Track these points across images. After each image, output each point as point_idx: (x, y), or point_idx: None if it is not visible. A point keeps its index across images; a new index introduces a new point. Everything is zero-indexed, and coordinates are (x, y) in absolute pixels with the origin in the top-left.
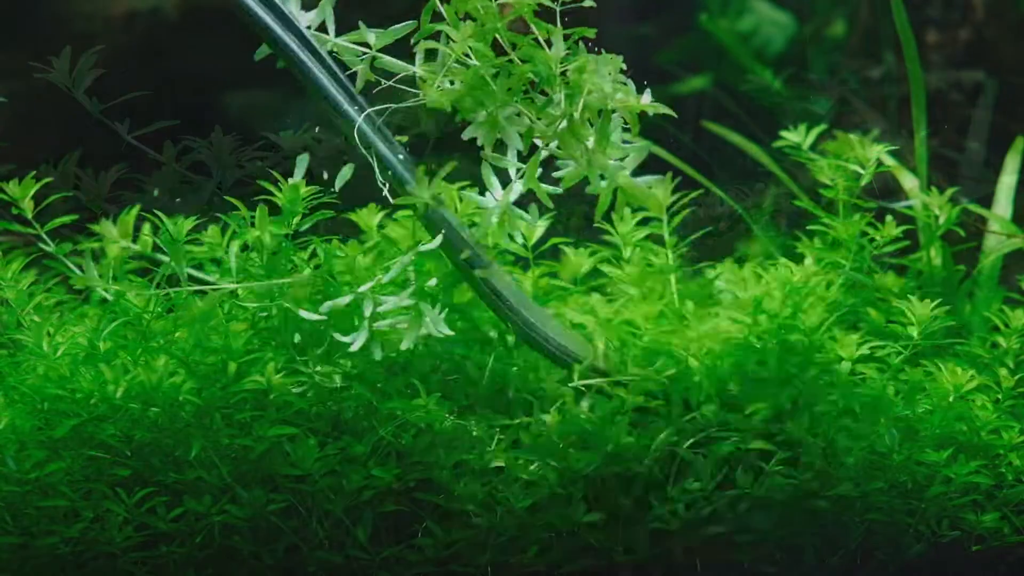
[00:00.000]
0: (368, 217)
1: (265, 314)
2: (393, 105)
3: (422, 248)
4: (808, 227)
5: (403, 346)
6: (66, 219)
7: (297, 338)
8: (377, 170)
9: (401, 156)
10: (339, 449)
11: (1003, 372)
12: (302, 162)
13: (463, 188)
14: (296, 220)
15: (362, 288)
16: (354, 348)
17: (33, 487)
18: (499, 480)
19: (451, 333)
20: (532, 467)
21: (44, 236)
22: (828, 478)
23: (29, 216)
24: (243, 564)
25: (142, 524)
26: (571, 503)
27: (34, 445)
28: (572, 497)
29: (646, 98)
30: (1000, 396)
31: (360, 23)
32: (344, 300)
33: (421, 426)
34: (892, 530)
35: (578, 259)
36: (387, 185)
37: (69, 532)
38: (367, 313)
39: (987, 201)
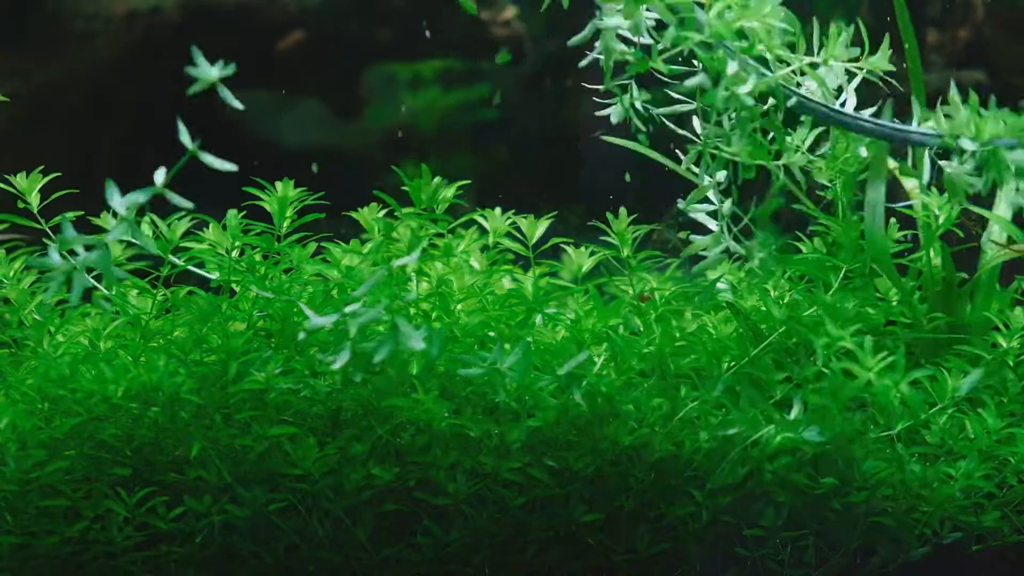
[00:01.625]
0: (370, 216)
1: (262, 313)
2: None
3: (398, 263)
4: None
5: (376, 359)
6: (70, 215)
7: (301, 336)
8: None
9: None
10: (338, 448)
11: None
12: None
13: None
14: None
15: (348, 308)
16: (336, 367)
17: (33, 487)
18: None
19: (423, 346)
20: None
21: (49, 232)
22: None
23: (35, 210)
24: (243, 564)
25: (142, 524)
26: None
27: (34, 445)
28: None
29: None
30: (1005, 399)
31: None
32: (327, 320)
33: (420, 425)
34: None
35: (579, 258)
36: None
37: (69, 532)
38: (352, 333)
39: (988, 201)
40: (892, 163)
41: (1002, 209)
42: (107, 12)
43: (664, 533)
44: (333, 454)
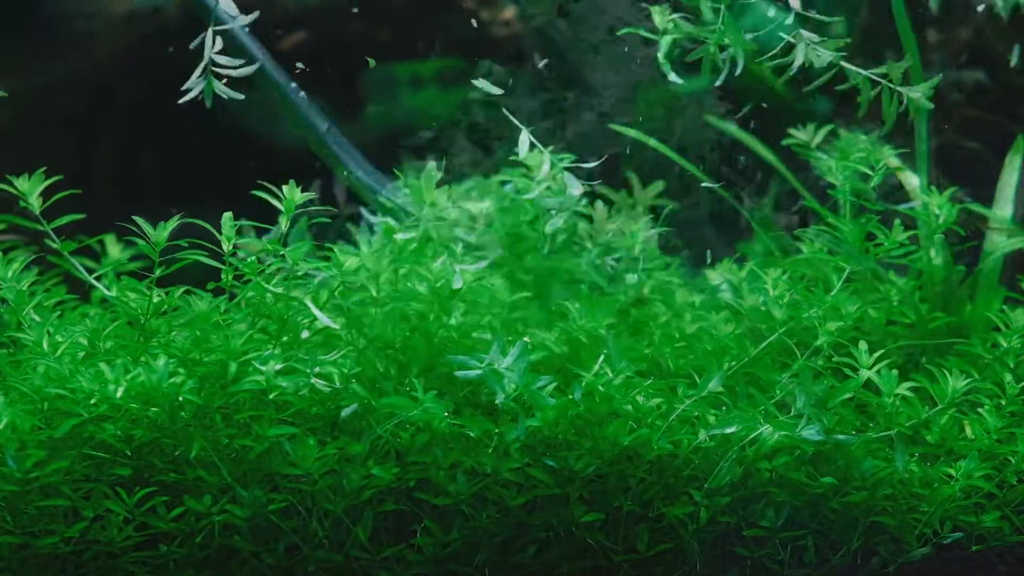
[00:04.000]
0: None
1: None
2: None
3: None
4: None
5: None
6: (73, 217)
7: (306, 334)
8: None
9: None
10: (338, 448)
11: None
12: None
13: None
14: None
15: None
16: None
17: (33, 487)
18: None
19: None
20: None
21: (51, 233)
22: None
23: (37, 212)
24: (243, 564)
25: (142, 524)
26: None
27: (34, 445)
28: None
29: None
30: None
31: None
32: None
33: (419, 424)
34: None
35: None
36: None
37: (69, 532)
38: None
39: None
40: (895, 162)
41: (1002, 206)
42: (107, 12)
43: (664, 533)
44: (333, 454)
